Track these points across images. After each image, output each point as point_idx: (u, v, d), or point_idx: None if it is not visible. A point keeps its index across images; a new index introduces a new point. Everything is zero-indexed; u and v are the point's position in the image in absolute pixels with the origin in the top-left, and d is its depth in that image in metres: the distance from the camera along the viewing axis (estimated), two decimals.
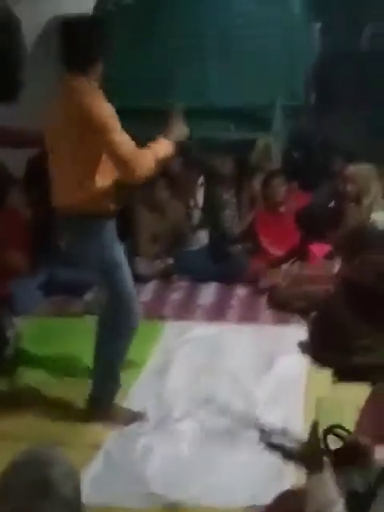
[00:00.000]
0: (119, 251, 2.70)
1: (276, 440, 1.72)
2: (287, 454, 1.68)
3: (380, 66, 5.07)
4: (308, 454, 1.63)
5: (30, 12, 4.88)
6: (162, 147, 2.59)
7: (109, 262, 2.63)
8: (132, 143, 2.51)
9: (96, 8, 5.28)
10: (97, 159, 2.52)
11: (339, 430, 1.76)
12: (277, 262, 4.14)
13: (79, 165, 2.52)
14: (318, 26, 5.22)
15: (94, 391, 2.75)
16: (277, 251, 4.35)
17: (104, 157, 2.52)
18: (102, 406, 2.72)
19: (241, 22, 5.00)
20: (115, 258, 2.65)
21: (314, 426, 1.66)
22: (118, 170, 2.52)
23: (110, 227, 2.66)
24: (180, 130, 2.67)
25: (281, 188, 4.43)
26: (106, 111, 2.48)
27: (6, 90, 4.66)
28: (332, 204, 4.33)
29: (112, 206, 2.64)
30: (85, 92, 2.51)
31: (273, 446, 1.70)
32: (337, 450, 1.74)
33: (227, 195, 4.38)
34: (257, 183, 4.86)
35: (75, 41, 2.61)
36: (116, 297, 2.64)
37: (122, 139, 2.48)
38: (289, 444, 1.69)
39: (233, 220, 4.43)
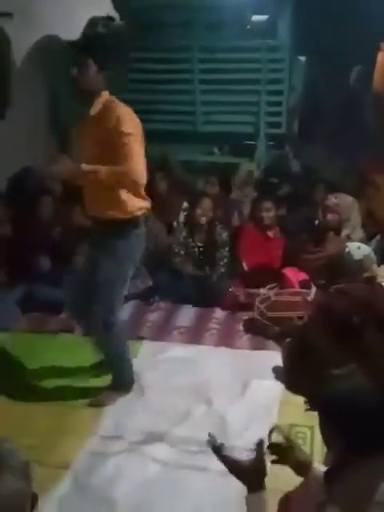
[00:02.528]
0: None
1: (226, 453, 1.73)
2: (234, 468, 1.71)
3: (360, 101, 5.23)
4: (250, 471, 1.66)
5: (20, 31, 4.93)
6: None
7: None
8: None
9: (86, 29, 5.35)
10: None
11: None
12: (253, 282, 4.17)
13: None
14: (303, 58, 5.35)
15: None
16: (251, 271, 4.39)
17: None
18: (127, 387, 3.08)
19: (229, 51, 5.12)
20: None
21: (260, 445, 1.68)
22: (127, 180, 2.64)
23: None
24: None
25: (271, 212, 4.47)
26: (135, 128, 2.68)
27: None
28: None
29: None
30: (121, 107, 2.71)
31: (221, 457, 1.72)
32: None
33: (225, 234, 4.40)
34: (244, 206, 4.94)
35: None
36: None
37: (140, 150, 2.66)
38: (236, 458, 1.70)
39: (228, 258, 4.44)
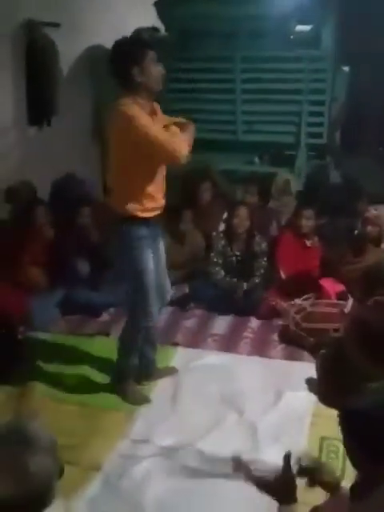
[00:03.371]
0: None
1: (252, 470, 1.74)
2: (261, 484, 1.71)
3: None
4: (280, 485, 1.66)
5: (67, 41, 5.06)
6: (188, 131, 2.89)
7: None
8: (167, 133, 2.75)
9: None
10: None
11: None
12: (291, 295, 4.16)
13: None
14: (346, 69, 5.31)
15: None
16: (288, 280, 4.37)
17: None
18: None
19: (271, 61, 5.13)
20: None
21: (287, 459, 1.68)
22: (162, 157, 2.75)
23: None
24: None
25: (311, 221, 4.45)
26: (139, 117, 2.70)
27: (41, 115, 4.82)
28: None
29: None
30: (124, 107, 2.72)
31: (248, 476, 1.73)
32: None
33: (264, 244, 4.41)
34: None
35: (115, 60, 2.80)
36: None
37: (157, 130, 2.72)
38: (264, 475, 1.70)
39: (265, 267, 4.44)
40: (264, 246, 4.40)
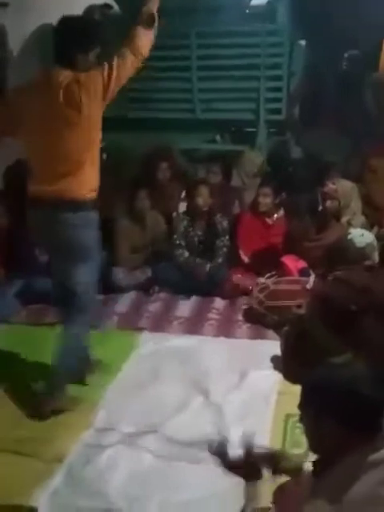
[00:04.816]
0: None
1: (220, 449, 1.77)
2: (226, 463, 1.75)
3: (359, 85, 5.15)
4: (243, 464, 1.69)
5: (16, 21, 4.88)
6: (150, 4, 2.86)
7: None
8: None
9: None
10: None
11: None
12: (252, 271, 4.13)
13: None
14: (303, 43, 5.25)
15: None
16: (250, 259, 4.35)
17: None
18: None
19: (227, 36, 5.03)
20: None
21: (246, 437, 1.70)
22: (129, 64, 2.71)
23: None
24: None
25: (268, 198, 4.42)
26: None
27: None
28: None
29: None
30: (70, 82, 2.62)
31: (215, 453, 1.76)
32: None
33: (225, 222, 4.35)
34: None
35: (63, 35, 2.70)
36: None
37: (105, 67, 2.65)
38: (230, 453, 1.74)
39: (228, 246, 4.39)
40: (225, 224, 4.36)
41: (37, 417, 2.78)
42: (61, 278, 2.85)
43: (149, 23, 2.81)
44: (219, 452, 1.80)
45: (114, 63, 2.67)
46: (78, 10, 5.40)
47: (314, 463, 1.59)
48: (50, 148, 2.70)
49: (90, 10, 5.45)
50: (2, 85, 4.65)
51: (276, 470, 1.81)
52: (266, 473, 1.80)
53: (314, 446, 1.57)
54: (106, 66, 2.67)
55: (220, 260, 4.30)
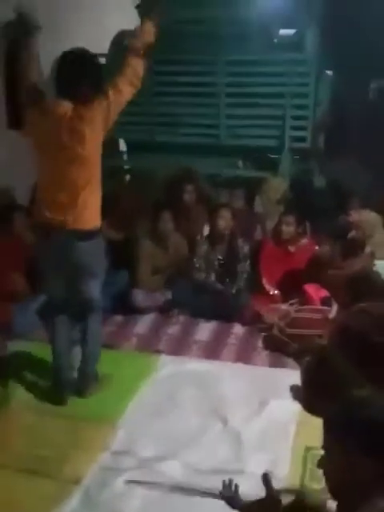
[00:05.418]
0: None
1: (234, 494, 1.68)
2: (243, 509, 1.65)
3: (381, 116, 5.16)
4: (264, 508, 1.60)
5: (48, 42, 4.98)
6: (147, 31, 2.91)
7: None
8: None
9: (113, 42, 5.41)
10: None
11: None
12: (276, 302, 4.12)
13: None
14: (329, 73, 5.30)
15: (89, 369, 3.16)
16: (274, 289, 4.34)
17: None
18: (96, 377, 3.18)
19: (255, 64, 5.10)
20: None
21: (266, 479, 1.62)
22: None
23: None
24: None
25: (291, 227, 4.42)
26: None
27: (20, 118, 4.73)
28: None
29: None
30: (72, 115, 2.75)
31: (230, 502, 1.67)
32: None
33: (247, 247, 4.37)
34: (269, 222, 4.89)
35: (63, 70, 2.86)
36: None
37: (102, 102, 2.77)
38: (248, 502, 1.65)
39: (249, 272, 4.40)
40: (246, 249, 4.37)
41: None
42: (71, 294, 3.08)
43: (141, 52, 2.88)
44: (228, 497, 1.72)
45: (111, 94, 2.77)
46: (109, 32, 5.53)
47: (338, 505, 1.54)
48: (55, 177, 2.82)
49: (121, 34, 5.56)
50: None
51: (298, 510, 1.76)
52: None
53: (333, 490, 1.52)
54: (104, 98, 2.76)
55: (241, 285, 4.30)
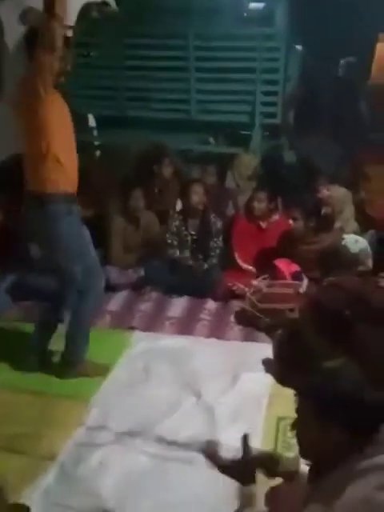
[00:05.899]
0: None
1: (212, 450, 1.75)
2: (222, 467, 1.73)
3: (354, 92, 5.19)
4: (240, 467, 1.67)
5: (12, 14, 4.85)
6: None
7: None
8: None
9: (80, 15, 5.28)
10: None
11: None
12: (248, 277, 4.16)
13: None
14: (299, 47, 5.28)
15: (68, 352, 3.13)
16: (246, 264, 4.38)
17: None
18: (77, 363, 3.12)
19: (225, 38, 5.04)
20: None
21: (245, 440, 1.68)
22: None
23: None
24: None
25: (263, 203, 4.44)
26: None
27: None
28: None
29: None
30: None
31: (210, 458, 1.75)
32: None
33: (219, 223, 4.37)
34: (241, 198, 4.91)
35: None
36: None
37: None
38: (225, 457, 1.72)
39: (221, 248, 4.41)
40: (219, 224, 4.38)
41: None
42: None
43: None
44: (211, 454, 1.80)
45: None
46: (75, 5, 5.39)
47: (310, 468, 1.60)
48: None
49: (87, 6, 5.44)
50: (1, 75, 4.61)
51: (271, 473, 1.81)
52: (261, 476, 1.81)
53: (306, 452, 1.57)
54: None
55: (214, 261, 4.32)
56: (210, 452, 1.79)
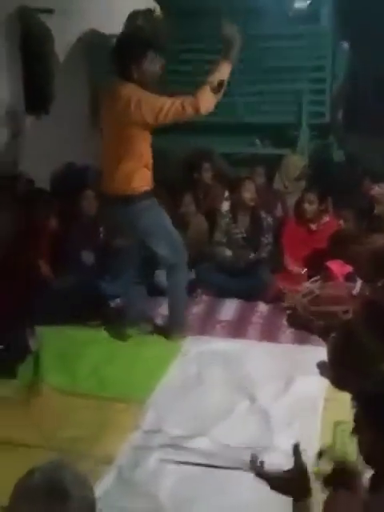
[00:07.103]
0: None
1: (263, 468, 1.67)
2: (274, 484, 1.64)
3: None
4: (292, 483, 1.60)
5: (62, 27, 4.96)
6: (222, 71, 3.15)
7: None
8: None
9: (127, 23, 5.35)
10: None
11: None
12: (299, 280, 4.12)
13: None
14: (346, 45, 5.20)
15: (173, 317, 3.63)
16: (297, 267, 4.33)
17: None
18: (181, 325, 3.62)
19: (270, 38, 5.02)
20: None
21: (296, 450, 1.62)
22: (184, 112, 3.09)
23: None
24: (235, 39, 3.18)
25: (313, 204, 4.40)
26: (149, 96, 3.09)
27: (38, 103, 4.74)
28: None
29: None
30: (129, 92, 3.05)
31: (260, 475, 1.66)
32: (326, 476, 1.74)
33: (270, 218, 4.37)
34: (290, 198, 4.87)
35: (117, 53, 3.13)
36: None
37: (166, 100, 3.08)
38: (276, 473, 1.64)
39: (271, 243, 4.39)
40: (270, 220, 4.36)
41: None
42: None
43: (217, 90, 3.11)
44: (257, 471, 1.71)
45: (178, 103, 3.04)
46: (121, 14, 5.48)
47: (372, 477, 1.55)
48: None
49: (134, 15, 5.51)
50: (50, 90, 4.73)
51: (331, 484, 1.76)
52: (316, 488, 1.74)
53: (369, 459, 1.53)
54: (170, 100, 3.04)
55: (264, 255, 4.28)
56: (256, 469, 1.69)
